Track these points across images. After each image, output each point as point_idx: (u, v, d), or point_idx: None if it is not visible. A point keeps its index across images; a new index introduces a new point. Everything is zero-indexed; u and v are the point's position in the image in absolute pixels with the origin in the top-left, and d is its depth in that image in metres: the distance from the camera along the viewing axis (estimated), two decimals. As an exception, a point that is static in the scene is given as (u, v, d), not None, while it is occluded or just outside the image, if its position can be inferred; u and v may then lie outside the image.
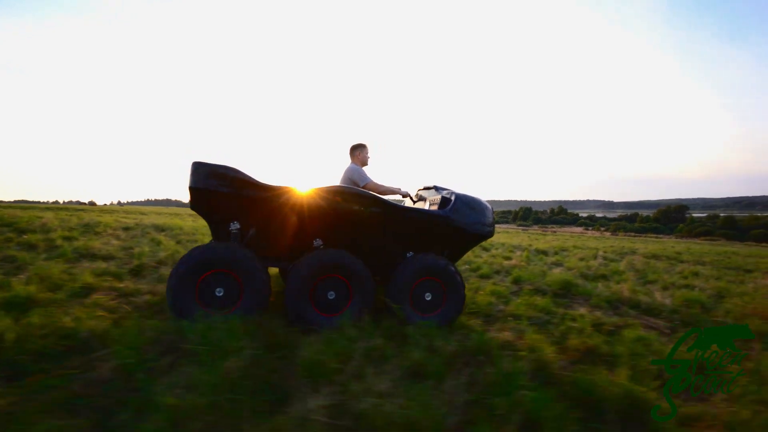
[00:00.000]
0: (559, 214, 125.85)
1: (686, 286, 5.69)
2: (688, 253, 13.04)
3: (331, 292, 2.88)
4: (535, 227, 79.34)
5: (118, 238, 6.71)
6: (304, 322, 2.75)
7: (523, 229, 48.60)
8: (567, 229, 77.75)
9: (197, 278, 2.67)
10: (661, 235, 65.04)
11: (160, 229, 9.20)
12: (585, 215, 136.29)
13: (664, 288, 5.34)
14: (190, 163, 2.75)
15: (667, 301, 4.29)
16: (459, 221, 3.21)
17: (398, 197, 3.83)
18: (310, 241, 3.05)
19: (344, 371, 2.03)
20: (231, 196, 2.77)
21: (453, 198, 3.30)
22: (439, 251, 3.29)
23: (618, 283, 5.46)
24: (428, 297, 3.08)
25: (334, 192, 2.93)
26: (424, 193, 3.87)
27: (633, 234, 66.24)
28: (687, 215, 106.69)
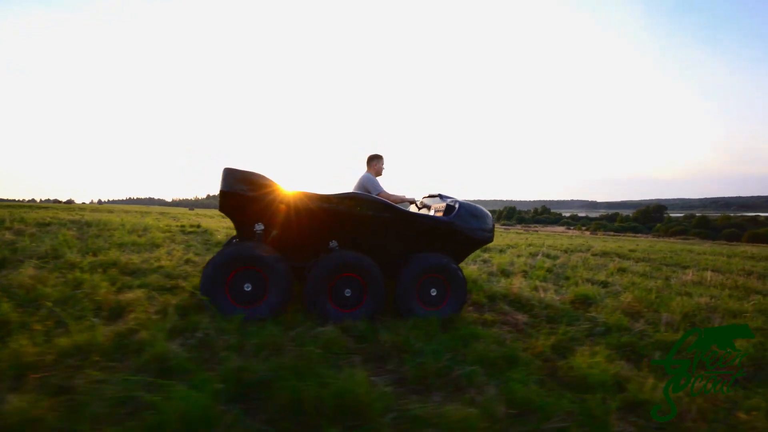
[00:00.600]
0: (542, 214, 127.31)
1: (600, 282, 5.61)
2: (641, 251, 13.13)
3: (348, 290, 3.11)
4: (518, 226, 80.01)
5: (19, 233, 6.32)
6: (324, 316, 2.96)
7: (505, 229, 48.87)
8: (549, 228, 78.64)
9: (228, 274, 2.89)
10: (638, 234, 66.31)
11: (87, 225, 8.78)
12: (568, 215, 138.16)
13: (575, 284, 5.22)
14: (222, 169, 3.02)
15: (557, 297, 4.16)
16: (462, 227, 3.48)
17: (406, 204, 4.07)
18: (326, 243, 3.30)
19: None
20: (257, 200, 3.03)
21: (457, 206, 3.57)
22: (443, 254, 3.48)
23: (528, 279, 5.32)
24: (433, 292, 3.32)
25: (350, 198, 3.21)
26: (428, 201, 4.17)
27: (612, 233, 67.33)
28: (665, 215, 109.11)
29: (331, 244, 3.29)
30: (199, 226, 10.35)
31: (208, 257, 5.42)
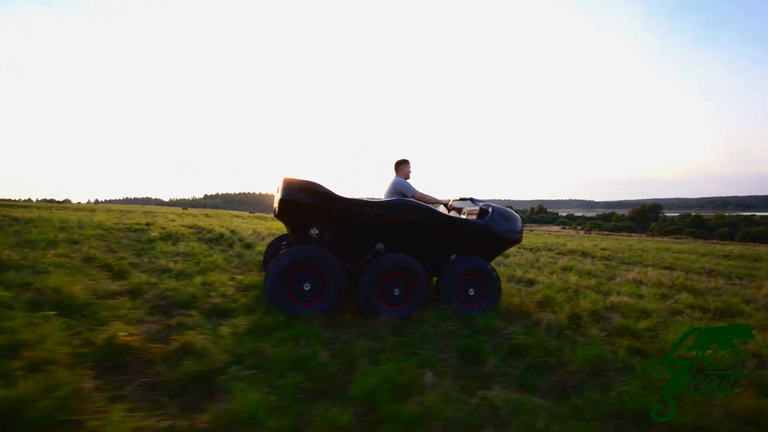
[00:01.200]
0: (538, 213, 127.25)
1: (527, 281, 5.38)
2: (613, 250, 12.87)
3: (397, 289, 3.35)
4: (513, 226, 79.44)
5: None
6: (375, 313, 3.19)
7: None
8: (545, 227, 78.42)
9: (290, 275, 3.12)
10: (633, 234, 66.16)
11: (26, 222, 8.47)
12: (564, 214, 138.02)
13: (509, 280, 4.99)
14: (282, 179, 3.27)
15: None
16: (496, 229, 3.77)
17: (437, 206, 4.23)
18: (373, 245, 3.53)
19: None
20: (314, 207, 3.28)
21: (491, 210, 3.87)
22: (477, 254, 3.74)
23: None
24: (471, 292, 3.58)
25: (398, 205, 3.49)
26: (459, 204, 4.44)
27: (606, 232, 67.17)
28: (661, 214, 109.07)
29: (377, 246, 3.53)
30: (147, 224, 10.03)
31: (118, 254, 5.13)
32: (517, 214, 3.98)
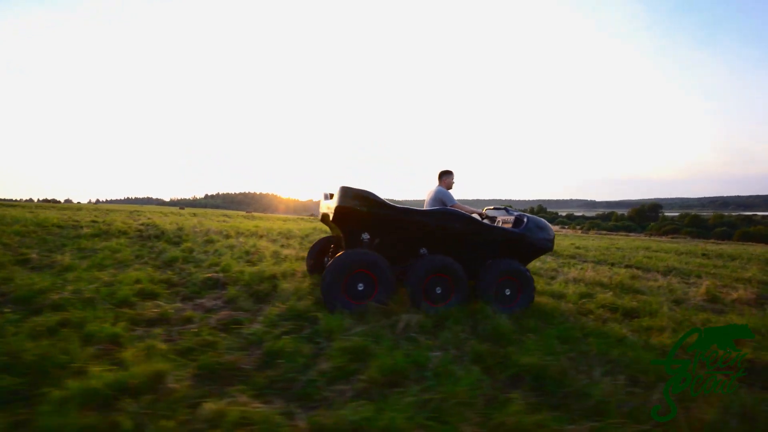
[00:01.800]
0: (538, 213, 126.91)
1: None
2: (586, 249, 12.55)
3: (438, 288, 3.59)
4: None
5: None
6: (419, 309, 3.39)
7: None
8: (543, 227, 77.76)
9: (345, 276, 3.36)
10: (631, 233, 65.75)
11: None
12: (564, 214, 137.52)
13: None
14: (338, 187, 3.50)
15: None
16: (530, 237, 4.06)
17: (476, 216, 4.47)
18: (418, 250, 3.86)
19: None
20: (367, 214, 3.53)
21: (526, 219, 4.17)
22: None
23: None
24: (507, 292, 3.81)
25: (442, 213, 3.79)
26: (493, 213, 4.72)
27: (605, 232, 66.71)
28: (660, 214, 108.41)
29: (421, 250, 3.85)
30: (94, 221, 9.76)
31: (20, 250, 4.87)
32: (549, 224, 4.25)
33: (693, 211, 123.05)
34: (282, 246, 7.37)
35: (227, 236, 8.53)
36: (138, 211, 24.59)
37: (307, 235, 10.15)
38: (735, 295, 4.95)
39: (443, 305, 3.52)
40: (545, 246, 4.16)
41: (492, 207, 4.81)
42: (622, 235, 51.21)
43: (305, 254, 5.50)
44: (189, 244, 6.48)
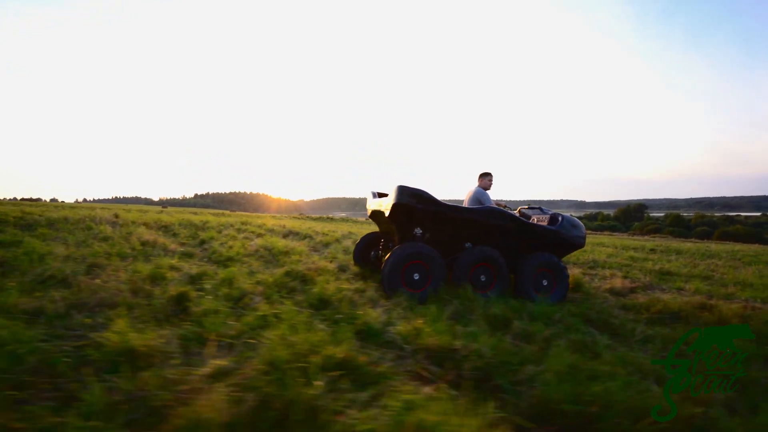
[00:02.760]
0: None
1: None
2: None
3: (483, 276, 3.99)
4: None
5: None
6: (463, 295, 3.62)
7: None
8: (530, 227, 78.34)
9: (403, 267, 3.72)
10: (615, 233, 66.48)
11: None
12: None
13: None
14: (395, 186, 3.82)
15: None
16: (565, 234, 4.43)
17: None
18: (463, 243, 4.23)
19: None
20: (422, 210, 3.88)
21: (560, 218, 4.55)
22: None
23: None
24: (545, 282, 4.19)
25: (488, 211, 4.15)
26: (527, 212, 5.11)
27: (590, 231, 67.26)
28: (645, 214, 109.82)
29: (466, 244, 4.21)
30: (20, 217, 9.65)
31: None
32: (581, 223, 4.58)
33: (679, 212, 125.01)
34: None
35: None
36: (108, 208, 24.14)
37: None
38: (608, 285, 5.07)
39: (486, 292, 3.88)
40: (578, 242, 4.51)
41: (527, 207, 5.18)
42: (606, 235, 51.74)
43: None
44: (110, 233, 6.42)
